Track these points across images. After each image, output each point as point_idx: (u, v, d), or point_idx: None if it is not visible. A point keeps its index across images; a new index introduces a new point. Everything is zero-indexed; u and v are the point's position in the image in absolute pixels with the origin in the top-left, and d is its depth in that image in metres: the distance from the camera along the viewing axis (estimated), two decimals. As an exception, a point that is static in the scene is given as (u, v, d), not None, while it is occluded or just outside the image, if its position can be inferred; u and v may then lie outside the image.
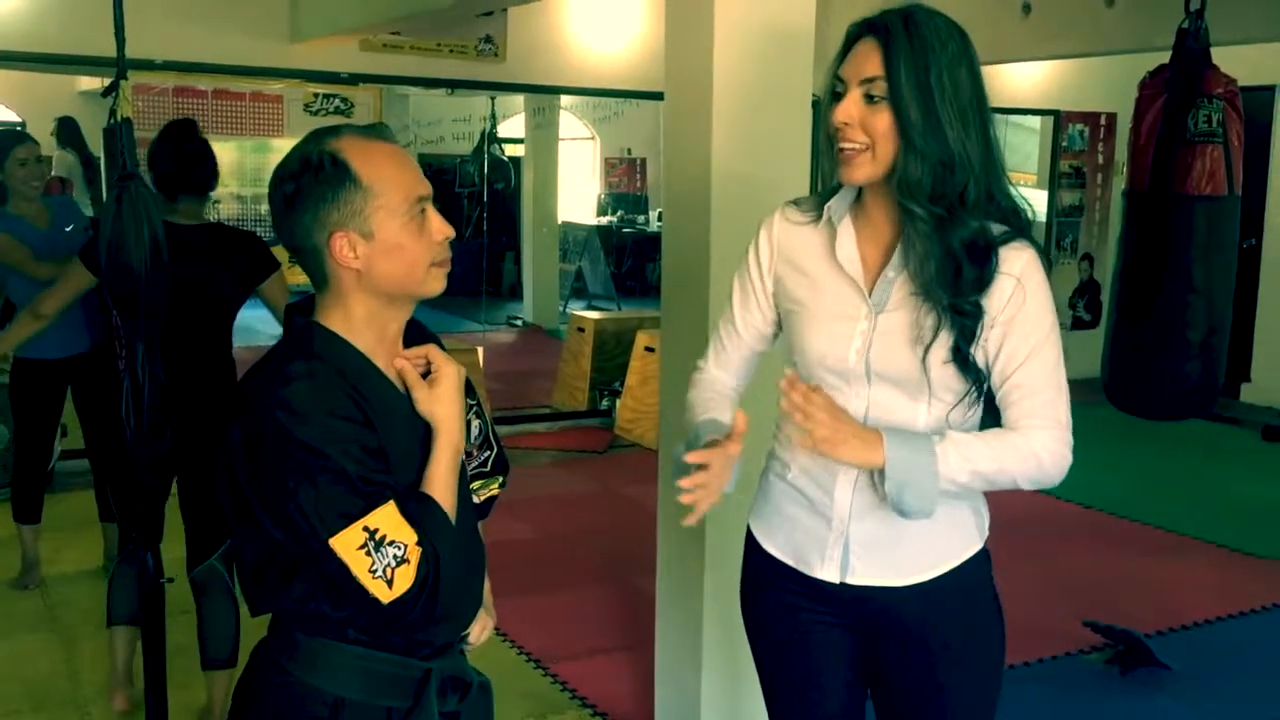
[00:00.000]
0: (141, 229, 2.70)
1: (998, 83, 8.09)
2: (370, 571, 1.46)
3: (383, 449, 1.51)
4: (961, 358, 1.74)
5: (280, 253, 6.66)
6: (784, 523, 1.93)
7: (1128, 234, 3.89)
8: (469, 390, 1.77)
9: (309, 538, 1.47)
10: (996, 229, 1.74)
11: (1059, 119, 8.48)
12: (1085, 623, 4.18)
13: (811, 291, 1.85)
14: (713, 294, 3.01)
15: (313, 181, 1.52)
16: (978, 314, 1.72)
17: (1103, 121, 8.58)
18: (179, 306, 2.92)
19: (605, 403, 7.41)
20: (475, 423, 1.78)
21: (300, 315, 1.60)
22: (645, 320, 7.51)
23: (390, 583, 1.46)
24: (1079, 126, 8.56)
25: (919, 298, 1.74)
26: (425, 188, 1.58)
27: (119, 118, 2.77)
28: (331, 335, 1.56)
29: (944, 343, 1.73)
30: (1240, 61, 4.24)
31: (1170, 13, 3.80)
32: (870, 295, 1.79)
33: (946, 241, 1.70)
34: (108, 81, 2.97)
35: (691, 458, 1.76)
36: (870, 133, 1.70)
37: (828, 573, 1.87)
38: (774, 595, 1.96)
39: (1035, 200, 8.19)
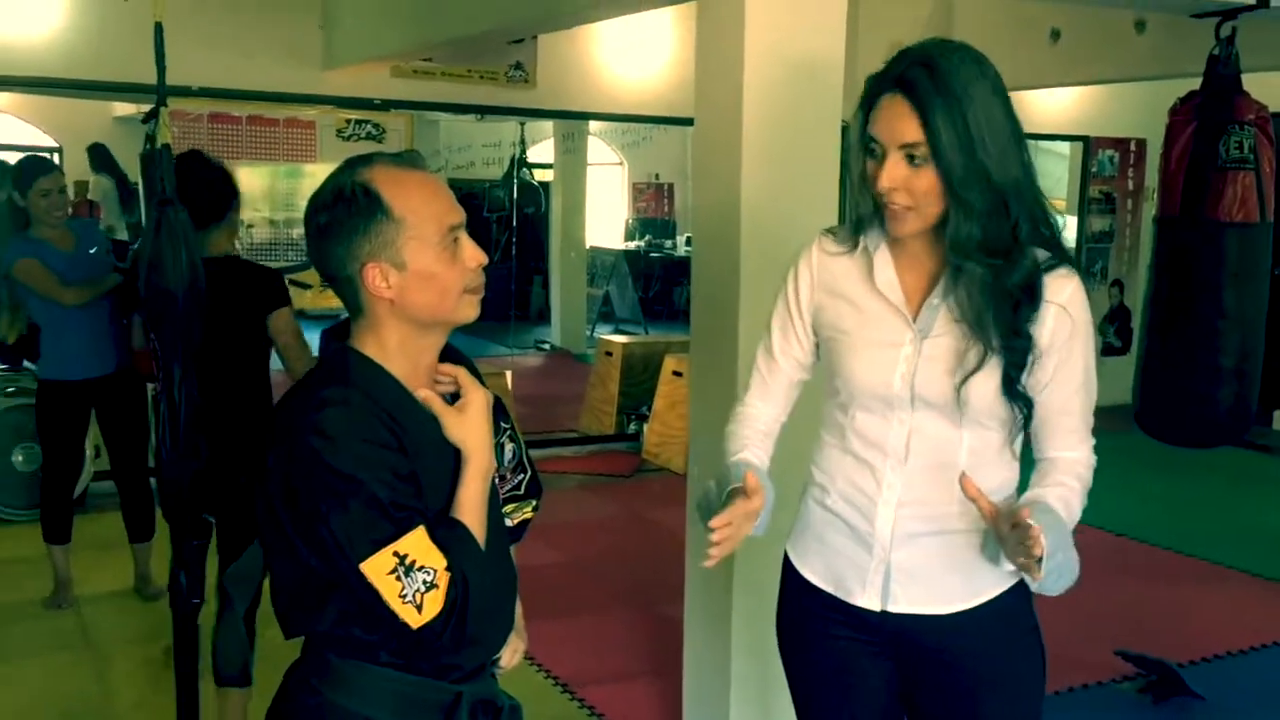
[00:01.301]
0: (179, 253, 2.74)
1: (1026, 108, 8.07)
2: (400, 596, 1.47)
3: (415, 474, 1.52)
4: (1011, 388, 1.74)
5: (312, 275, 6.70)
6: (823, 549, 1.92)
7: (1159, 260, 3.87)
8: (503, 414, 1.78)
9: (340, 562, 1.48)
10: (1040, 255, 1.75)
11: (1088, 145, 8.46)
12: (1117, 651, 4.14)
13: (854, 319, 1.85)
14: (742, 319, 3.02)
15: (345, 213, 1.53)
16: (1028, 346, 1.73)
17: (1132, 147, 8.54)
18: (209, 334, 2.95)
19: (632, 427, 7.41)
20: (509, 446, 1.80)
21: (335, 341, 1.62)
22: (673, 344, 7.51)
23: (420, 608, 1.47)
24: (1109, 152, 8.53)
25: (965, 325, 1.75)
26: (458, 215, 1.58)
27: (158, 144, 2.81)
28: (366, 361, 1.58)
29: (992, 374, 1.74)
30: (1272, 88, 4.22)
31: (1201, 39, 3.79)
32: (915, 320, 1.80)
33: (1002, 287, 1.71)
34: (144, 108, 3.02)
35: (715, 523, 1.73)
36: (914, 193, 1.70)
37: (868, 600, 1.86)
38: (812, 622, 1.95)
39: (1064, 226, 8.16)
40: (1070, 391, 1.80)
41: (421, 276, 1.55)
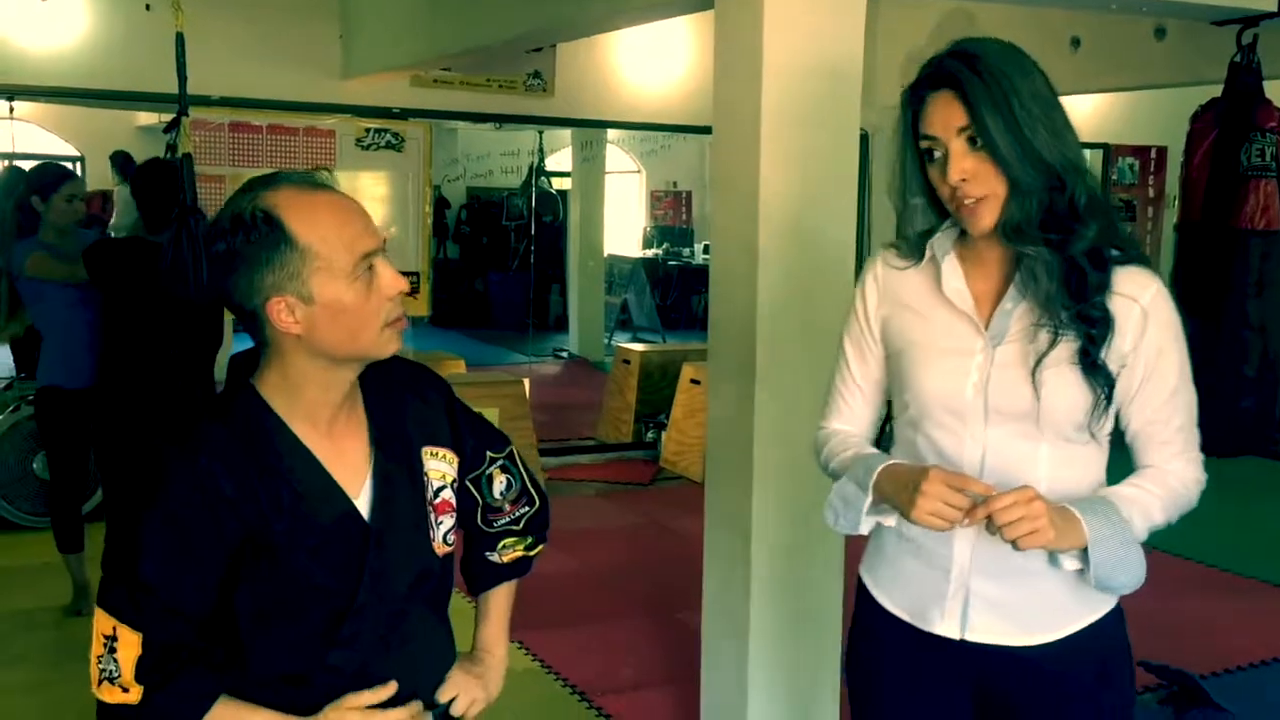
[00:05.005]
0: (200, 262, 2.76)
1: (1046, 116, 8.02)
2: (97, 659, 1.47)
3: (253, 526, 1.44)
4: (1087, 361, 1.67)
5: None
6: (900, 577, 1.85)
7: (1180, 268, 3.86)
8: (497, 443, 1.70)
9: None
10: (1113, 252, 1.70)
11: (1109, 152, 8.41)
12: (1139, 662, 4.09)
13: (922, 328, 1.79)
14: (760, 326, 3.01)
15: (245, 243, 1.39)
16: (1107, 319, 1.67)
17: (1153, 155, 8.50)
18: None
19: (650, 435, 7.40)
20: (501, 478, 1.70)
21: (241, 372, 1.51)
22: (690, 353, 7.50)
23: (99, 684, 1.48)
24: (1129, 160, 8.49)
25: (1038, 327, 1.69)
26: (372, 241, 1.43)
27: (179, 153, 2.83)
28: (254, 400, 1.47)
29: (1065, 356, 1.67)
30: (1294, 95, 4.19)
31: (1222, 46, 3.78)
32: (987, 327, 1.73)
33: (1068, 256, 1.66)
34: (166, 117, 3.04)
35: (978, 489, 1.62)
36: (984, 180, 1.65)
37: (946, 629, 1.78)
38: (888, 650, 1.87)
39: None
40: (1160, 401, 1.74)
41: (332, 310, 1.41)
